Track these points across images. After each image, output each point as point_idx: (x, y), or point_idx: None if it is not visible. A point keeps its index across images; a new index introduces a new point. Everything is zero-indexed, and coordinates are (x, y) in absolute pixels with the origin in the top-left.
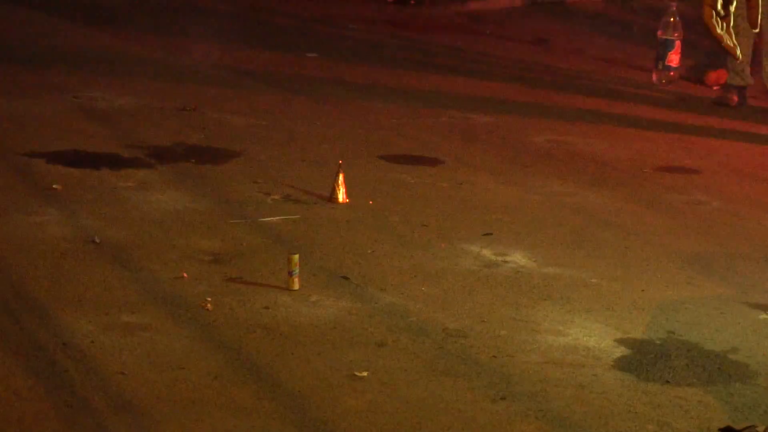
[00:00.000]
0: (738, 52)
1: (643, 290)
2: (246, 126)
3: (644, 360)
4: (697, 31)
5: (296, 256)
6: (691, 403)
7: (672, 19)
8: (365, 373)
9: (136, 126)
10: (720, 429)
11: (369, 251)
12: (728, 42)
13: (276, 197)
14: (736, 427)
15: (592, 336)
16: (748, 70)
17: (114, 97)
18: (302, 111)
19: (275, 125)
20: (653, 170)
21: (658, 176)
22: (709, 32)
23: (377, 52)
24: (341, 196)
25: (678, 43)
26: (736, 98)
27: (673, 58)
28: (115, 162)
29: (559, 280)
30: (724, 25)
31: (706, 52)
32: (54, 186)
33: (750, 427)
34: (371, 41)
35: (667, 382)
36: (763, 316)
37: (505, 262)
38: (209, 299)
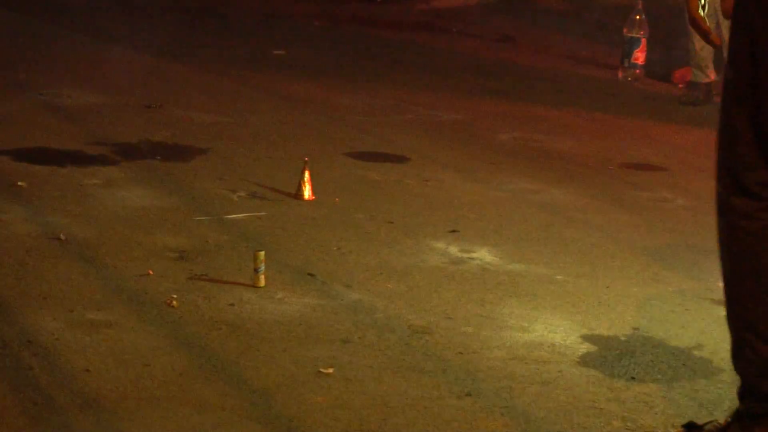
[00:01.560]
0: (723, 45)
1: (608, 287)
2: (212, 123)
3: (609, 356)
4: (663, 28)
5: (262, 253)
6: (655, 399)
7: (638, 17)
8: (331, 370)
9: (102, 123)
10: (683, 425)
11: (335, 248)
12: (715, 35)
13: (242, 194)
14: (699, 422)
15: (557, 332)
16: (712, 66)
17: (79, 94)
18: (268, 108)
19: (241, 122)
20: (619, 167)
21: (624, 173)
22: (696, 25)
23: (343, 50)
24: (307, 193)
25: (644, 40)
26: (701, 95)
27: (639, 56)
28: (80, 159)
29: (524, 277)
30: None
31: (672, 49)
32: (19, 183)
33: (711, 422)
34: (337, 38)
35: (632, 378)
36: None
37: (471, 258)
38: (174, 296)
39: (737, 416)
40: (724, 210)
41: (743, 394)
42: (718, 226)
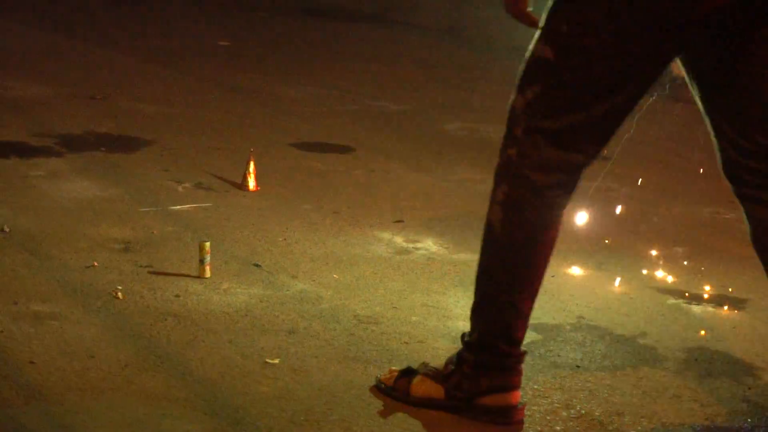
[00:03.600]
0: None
1: (553, 276)
2: (157, 114)
3: (554, 345)
4: None
5: (207, 244)
6: (600, 387)
7: None
8: (277, 360)
9: (46, 115)
10: (400, 370)
11: (280, 239)
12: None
13: (187, 185)
14: (414, 367)
15: None
16: None
17: (22, 85)
18: (213, 99)
19: (186, 113)
20: None
21: None
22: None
23: (289, 40)
24: (252, 183)
25: None
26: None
27: None
28: (24, 151)
29: (470, 267)
30: None
31: None
32: None
33: (425, 365)
34: (283, 29)
35: (577, 366)
36: (671, 300)
37: (417, 248)
38: (120, 288)
39: (460, 362)
40: (512, 178)
41: (474, 344)
42: (500, 191)
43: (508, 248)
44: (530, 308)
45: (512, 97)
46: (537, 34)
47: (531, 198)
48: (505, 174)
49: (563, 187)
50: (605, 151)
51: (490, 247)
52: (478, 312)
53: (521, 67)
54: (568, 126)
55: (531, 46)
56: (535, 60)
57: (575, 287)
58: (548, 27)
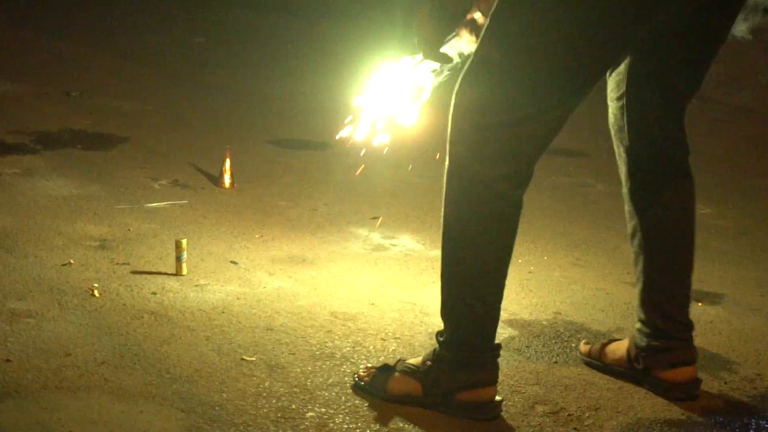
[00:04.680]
0: None
1: (530, 272)
2: (133, 111)
3: (532, 340)
4: None
5: (184, 241)
6: (577, 383)
7: None
8: (253, 357)
9: (21, 111)
10: (377, 367)
11: (257, 236)
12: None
13: (163, 182)
14: (391, 364)
15: None
16: None
17: None
18: (190, 96)
19: (162, 110)
20: None
21: (545, 159)
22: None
23: (264, 37)
24: (228, 181)
25: None
26: None
27: None
28: None
29: None
30: None
31: None
32: None
33: (402, 361)
34: (258, 25)
35: (555, 362)
36: None
37: (394, 245)
38: (96, 285)
39: (438, 359)
40: (461, 174)
41: (448, 342)
42: (452, 189)
43: (465, 244)
44: (498, 301)
45: (457, 95)
46: (482, 34)
47: (482, 192)
48: (455, 171)
49: (515, 179)
50: (583, 146)
51: (448, 245)
52: (446, 310)
53: (465, 66)
54: (516, 120)
55: (476, 46)
56: (480, 59)
57: (552, 283)
58: (494, 27)
